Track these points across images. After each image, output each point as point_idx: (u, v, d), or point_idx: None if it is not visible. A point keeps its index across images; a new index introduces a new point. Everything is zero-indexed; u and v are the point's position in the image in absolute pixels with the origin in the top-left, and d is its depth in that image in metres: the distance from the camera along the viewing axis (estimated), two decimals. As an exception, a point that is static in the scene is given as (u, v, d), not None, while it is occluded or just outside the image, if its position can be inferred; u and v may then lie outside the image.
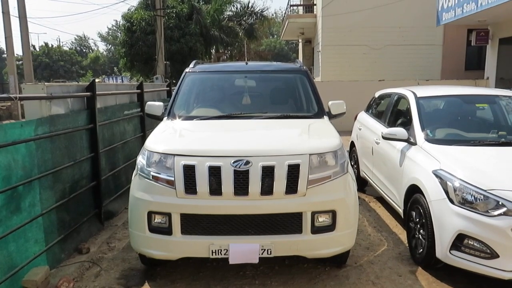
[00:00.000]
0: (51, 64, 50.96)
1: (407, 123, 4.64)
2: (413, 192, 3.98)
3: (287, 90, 4.79)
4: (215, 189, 3.15)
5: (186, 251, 3.25)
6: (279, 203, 3.18)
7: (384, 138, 4.48)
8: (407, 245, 4.17)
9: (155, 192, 3.25)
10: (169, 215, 3.21)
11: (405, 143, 4.38)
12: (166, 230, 3.23)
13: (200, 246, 3.20)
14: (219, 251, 3.18)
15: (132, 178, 3.53)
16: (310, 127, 3.84)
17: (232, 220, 3.19)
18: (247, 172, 3.16)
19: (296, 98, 4.74)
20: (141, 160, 3.46)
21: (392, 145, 4.61)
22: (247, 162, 3.18)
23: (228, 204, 3.16)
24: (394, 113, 5.27)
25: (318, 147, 3.37)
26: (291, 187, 3.17)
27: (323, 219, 3.28)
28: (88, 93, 4.46)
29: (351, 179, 3.45)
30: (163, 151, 3.34)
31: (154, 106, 4.47)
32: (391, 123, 5.15)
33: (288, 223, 3.23)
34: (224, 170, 3.16)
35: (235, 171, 3.15)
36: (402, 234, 4.48)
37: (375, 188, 5.47)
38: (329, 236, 3.28)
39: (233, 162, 3.18)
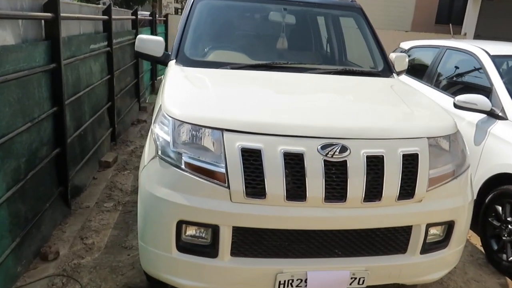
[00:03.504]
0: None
1: (473, 90, 3.66)
2: (500, 182, 3.09)
3: (339, 34, 3.52)
4: (295, 190, 1.95)
5: (238, 282, 2.07)
6: (388, 212, 2.07)
7: (457, 107, 3.46)
8: (480, 246, 3.34)
9: (192, 190, 1.98)
10: (214, 228, 1.98)
11: (482, 116, 3.41)
12: (208, 250, 2.02)
13: (261, 275, 2.04)
14: (291, 282, 2.05)
15: (145, 161, 2.19)
16: (398, 92, 2.69)
17: (314, 238, 2.05)
18: (344, 164, 1.98)
19: (352, 46, 3.53)
20: (160, 133, 2.11)
21: (460, 116, 3.61)
22: (344, 149, 1.99)
23: (315, 214, 1.99)
24: (446, 75, 4.26)
25: (435, 126, 2.26)
26: (406, 188, 2.07)
27: (434, 233, 2.26)
28: (50, 14, 2.87)
29: (470, 175, 2.41)
30: (203, 121, 2.03)
31: (150, 42, 3.01)
32: (445, 88, 4.14)
33: (390, 240, 2.16)
34: (308, 159, 1.96)
35: (325, 161, 1.97)
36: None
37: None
38: (441, 255, 2.27)
39: (322, 148, 1.98)
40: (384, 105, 2.45)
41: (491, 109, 3.34)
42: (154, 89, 8.84)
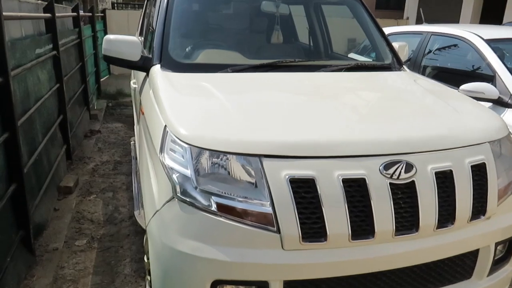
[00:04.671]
0: None
1: (471, 78, 3.46)
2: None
3: (336, 24, 3.14)
4: (361, 226, 1.55)
5: None
6: (461, 237, 1.73)
7: (462, 97, 3.23)
8: None
9: (229, 239, 1.51)
10: (261, 285, 1.53)
11: (488, 105, 3.22)
12: (253, 314, 1.56)
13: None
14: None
15: (156, 205, 1.66)
16: (428, 89, 2.36)
17: (379, 279, 1.66)
18: (411, 185, 1.61)
19: (352, 37, 3.17)
20: (175, 166, 1.60)
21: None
22: (409, 167, 1.62)
23: (385, 253, 1.60)
24: (435, 64, 4.05)
25: (491, 127, 1.95)
26: (477, 206, 1.74)
27: (499, 250, 1.97)
28: (-11, 14, 2.19)
29: None
30: (232, 146, 1.56)
31: (122, 43, 2.43)
32: (436, 79, 3.92)
33: (457, 266, 1.83)
34: (372, 184, 1.56)
35: (390, 185, 1.58)
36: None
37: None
38: (505, 273, 1.99)
39: (385, 168, 1.59)
40: (427, 106, 2.10)
41: (499, 97, 3.15)
42: (101, 93, 8.00)
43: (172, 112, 1.77)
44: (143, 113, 2.34)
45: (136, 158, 3.82)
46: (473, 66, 3.57)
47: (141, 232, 3.16)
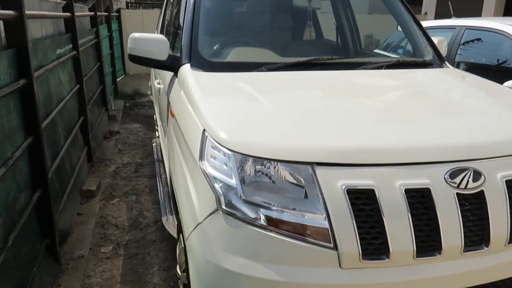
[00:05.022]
0: None
1: (507, 75, 3.26)
2: None
3: (369, 17, 2.96)
4: (426, 241, 1.39)
5: None
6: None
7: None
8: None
9: (280, 256, 1.36)
10: (317, 307, 1.38)
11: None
12: None
13: None
14: None
15: (197, 217, 1.52)
16: (479, 87, 2.18)
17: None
18: (480, 195, 1.44)
19: (369, 34, 2.99)
20: (217, 175, 1.45)
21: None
22: (477, 174, 1.45)
23: (453, 271, 1.43)
24: (472, 59, 3.84)
25: None
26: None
27: None
28: (12, 12, 2.08)
29: None
30: (281, 153, 1.41)
31: (149, 42, 2.29)
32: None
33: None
34: (437, 195, 1.39)
35: (458, 195, 1.42)
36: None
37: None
38: None
39: (450, 176, 1.42)
40: (486, 107, 1.92)
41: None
42: (118, 94, 7.93)
43: (211, 115, 1.63)
44: (173, 115, 2.21)
45: (160, 161, 3.71)
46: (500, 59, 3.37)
47: (167, 238, 3.04)
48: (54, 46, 3.20)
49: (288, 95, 1.88)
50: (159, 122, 3.63)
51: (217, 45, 2.43)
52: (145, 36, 2.33)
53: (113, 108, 6.96)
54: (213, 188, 1.44)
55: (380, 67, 2.34)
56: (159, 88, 3.08)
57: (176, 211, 2.31)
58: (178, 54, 2.33)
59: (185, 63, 2.23)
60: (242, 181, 1.41)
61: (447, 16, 9.03)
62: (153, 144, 4.23)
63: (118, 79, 8.51)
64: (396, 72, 2.32)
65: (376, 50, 3.22)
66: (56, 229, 2.59)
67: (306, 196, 1.39)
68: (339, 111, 1.71)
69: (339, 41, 2.99)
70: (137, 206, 3.57)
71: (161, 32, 4.12)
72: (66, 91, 3.50)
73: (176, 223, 2.46)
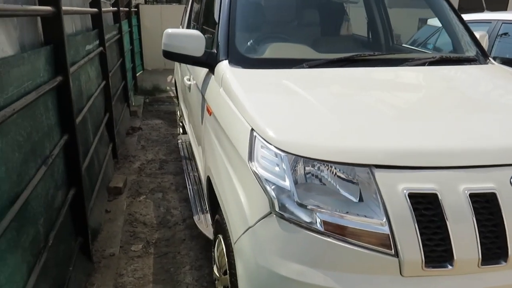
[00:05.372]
0: None
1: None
2: None
3: (408, 10, 2.87)
4: (490, 249, 1.32)
5: None
6: None
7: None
8: None
9: (338, 263, 1.30)
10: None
11: None
12: None
13: None
14: None
15: (248, 220, 1.47)
16: None
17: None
18: (549, 201, 1.36)
19: (410, 25, 2.89)
20: (270, 177, 1.40)
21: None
22: (545, 178, 1.37)
23: (520, 280, 1.36)
24: (505, 53, 3.71)
25: None
26: None
27: None
28: (50, 8, 2.04)
29: None
30: (338, 155, 1.35)
31: (185, 38, 2.24)
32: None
33: None
34: (504, 200, 1.32)
35: (525, 199, 1.34)
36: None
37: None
38: None
39: (516, 178, 1.35)
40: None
41: None
42: (137, 89, 7.93)
43: (259, 114, 1.57)
44: (210, 113, 2.16)
45: (187, 158, 3.67)
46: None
47: (197, 236, 3.00)
48: (84, 42, 3.18)
49: (336, 93, 1.81)
50: (187, 119, 3.59)
51: (253, 41, 2.36)
52: (181, 32, 2.28)
53: (133, 104, 6.96)
54: (266, 191, 1.39)
55: (423, 64, 2.25)
56: (190, 85, 3.03)
57: (213, 211, 2.27)
58: (214, 50, 2.28)
59: (223, 60, 2.17)
60: (296, 183, 1.35)
61: (472, 10, 8.82)
62: (179, 141, 4.20)
63: (137, 75, 8.51)
64: (444, 69, 2.23)
65: (404, 46, 3.12)
66: (88, 226, 2.57)
67: (362, 200, 1.32)
68: (394, 111, 1.64)
69: (374, 36, 2.91)
70: (164, 204, 3.54)
71: (188, 28, 4.08)
72: (94, 88, 3.49)
73: (211, 223, 2.42)
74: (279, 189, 1.37)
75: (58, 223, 1.99)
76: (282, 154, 1.40)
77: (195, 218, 2.68)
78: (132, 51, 7.77)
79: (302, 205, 1.33)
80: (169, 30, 2.30)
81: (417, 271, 1.28)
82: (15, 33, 1.72)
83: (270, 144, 1.44)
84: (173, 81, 9.29)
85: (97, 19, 3.89)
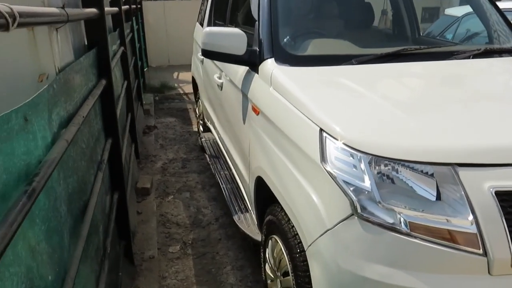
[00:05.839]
0: None
1: None
2: None
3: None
4: None
5: None
6: None
7: None
8: None
9: (425, 264, 1.29)
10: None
11: None
12: None
13: None
14: None
15: (326, 223, 1.45)
16: None
17: None
18: None
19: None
20: (348, 178, 1.38)
21: None
22: None
23: None
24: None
25: None
26: None
27: None
28: (95, 10, 2.00)
29: None
30: (420, 154, 1.33)
31: (227, 36, 2.22)
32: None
33: None
34: None
35: None
36: None
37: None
38: None
39: None
40: None
41: None
42: (146, 87, 7.87)
43: (327, 114, 1.55)
44: (257, 113, 2.14)
45: (215, 157, 3.64)
46: None
47: (232, 236, 2.99)
48: (112, 43, 3.13)
49: (398, 90, 1.79)
50: (214, 118, 3.56)
51: (296, 38, 2.34)
52: (222, 31, 2.26)
53: (144, 102, 6.91)
54: (346, 193, 1.37)
55: (468, 56, 2.24)
56: (221, 83, 3.00)
57: (260, 211, 2.25)
58: (256, 48, 2.25)
59: (267, 58, 2.15)
60: (379, 184, 1.34)
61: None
62: (202, 139, 4.17)
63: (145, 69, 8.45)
64: (496, 61, 2.21)
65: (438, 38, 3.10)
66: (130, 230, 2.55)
67: (444, 200, 1.31)
68: (463, 106, 1.63)
69: (411, 30, 2.88)
70: (193, 203, 3.52)
71: (209, 24, 4.04)
72: (119, 88, 3.45)
73: (256, 223, 2.41)
74: (359, 191, 1.36)
75: (111, 229, 1.97)
76: (360, 154, 1.38)
77: (235, 217, 2.66)
78: (140, 48, 7.71)
79: (384, 206, 1.32)
80: (208, 29, 2.28)
81: (506, 270, 1.27)
82: (71, 37, 1.69)
83: (345, 144, 1.42)
84: (179, 77, 9.25)
85: (117, 18, 3.84)
